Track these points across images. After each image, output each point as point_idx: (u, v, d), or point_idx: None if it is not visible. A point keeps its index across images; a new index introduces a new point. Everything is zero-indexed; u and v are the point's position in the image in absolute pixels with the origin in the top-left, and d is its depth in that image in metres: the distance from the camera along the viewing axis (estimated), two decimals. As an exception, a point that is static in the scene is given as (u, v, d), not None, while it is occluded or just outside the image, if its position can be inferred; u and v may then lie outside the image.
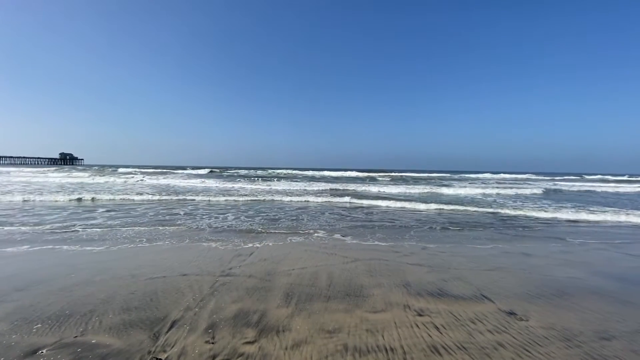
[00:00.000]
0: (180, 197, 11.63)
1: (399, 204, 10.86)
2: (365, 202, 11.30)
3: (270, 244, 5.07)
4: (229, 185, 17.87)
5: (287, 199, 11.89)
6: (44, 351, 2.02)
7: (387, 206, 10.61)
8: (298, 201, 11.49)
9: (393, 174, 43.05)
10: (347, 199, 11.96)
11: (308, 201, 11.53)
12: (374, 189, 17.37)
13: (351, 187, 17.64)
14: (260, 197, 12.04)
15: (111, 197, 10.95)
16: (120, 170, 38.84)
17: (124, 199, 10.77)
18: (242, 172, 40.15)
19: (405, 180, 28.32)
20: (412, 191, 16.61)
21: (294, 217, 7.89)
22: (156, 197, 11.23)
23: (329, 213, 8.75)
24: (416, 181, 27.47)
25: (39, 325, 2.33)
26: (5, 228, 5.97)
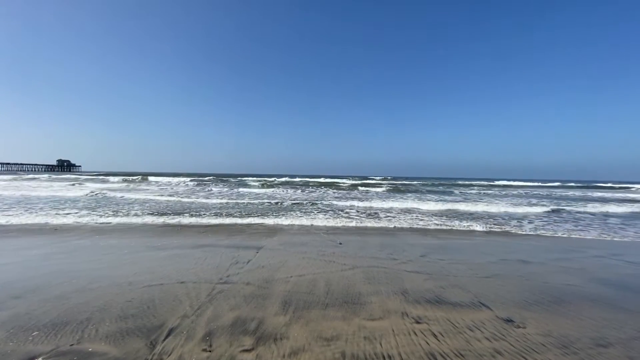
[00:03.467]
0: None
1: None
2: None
3: (268, 252, 5.06)
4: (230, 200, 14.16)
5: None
6: (40, 359, 2.01)
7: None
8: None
9: (393, 182, 42.07)
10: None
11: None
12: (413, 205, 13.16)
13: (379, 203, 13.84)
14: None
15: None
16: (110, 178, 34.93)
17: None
18: (243, 179, 39.57)
19: (421, 192, 23.03)
20: (474, 209, 12.29)
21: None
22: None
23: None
24: (444, 192, 23.43)
25: (35, 334, 2.32)
26: (2, 235, 5.92)
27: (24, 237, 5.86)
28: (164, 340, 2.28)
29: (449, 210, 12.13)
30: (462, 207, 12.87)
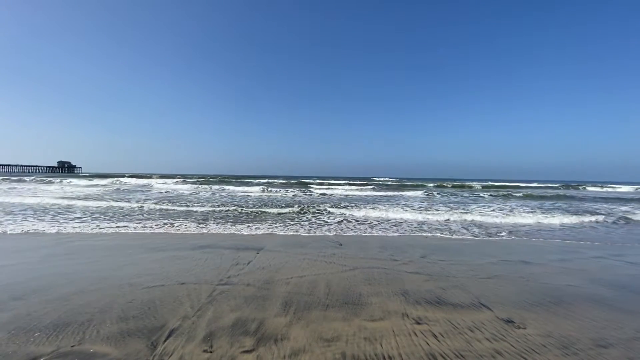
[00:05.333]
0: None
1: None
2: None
3: (268, 253, 5.07)
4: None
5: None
6: (41, 360, 2.02)
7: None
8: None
9: (398, 183, 39.90)
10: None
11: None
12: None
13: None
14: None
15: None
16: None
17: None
18: (245, 181, 38.97)
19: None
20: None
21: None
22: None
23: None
24: (454, 193, 21.30)
25: (37, 335, 2.32)
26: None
27: (24, 239, 5.87)
28: (165, 341, 2.28)
29: (481, 223, 9.11)
30: (489, 218, 9.92)
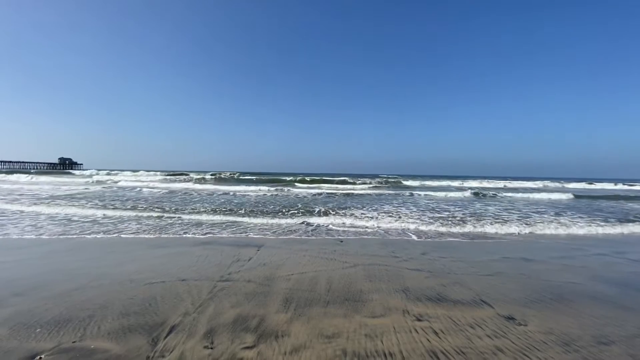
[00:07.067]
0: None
1: None
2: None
3: (269, 249, 5.07)
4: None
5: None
6: (43, 356, 2.02)
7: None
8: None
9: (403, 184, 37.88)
10: None
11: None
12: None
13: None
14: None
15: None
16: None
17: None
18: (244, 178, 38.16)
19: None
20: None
21: (294, 222, 7.77)
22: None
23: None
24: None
25: (38, 331, 2.33)
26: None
27: (24, 235, 5.88)
28: (166, 337, 2.29)
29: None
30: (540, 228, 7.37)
